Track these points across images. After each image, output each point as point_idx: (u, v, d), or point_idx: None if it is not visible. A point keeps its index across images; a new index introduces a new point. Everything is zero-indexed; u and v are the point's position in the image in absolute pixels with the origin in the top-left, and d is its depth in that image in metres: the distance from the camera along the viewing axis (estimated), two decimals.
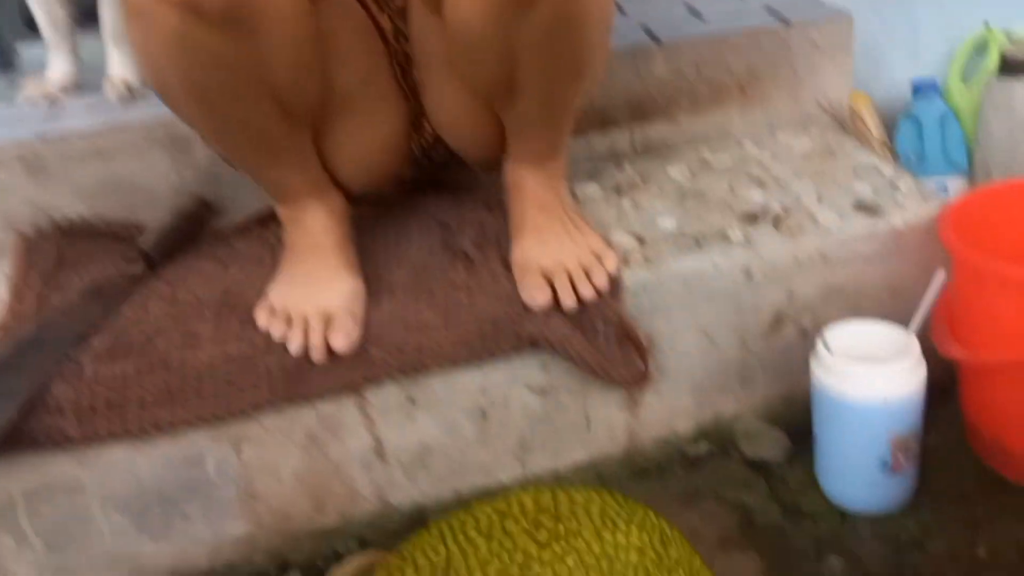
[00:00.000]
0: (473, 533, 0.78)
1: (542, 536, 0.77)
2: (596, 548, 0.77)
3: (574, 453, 1.29)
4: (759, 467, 1.29)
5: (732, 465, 1.30)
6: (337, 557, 1.24)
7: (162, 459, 1.14)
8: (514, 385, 1.23)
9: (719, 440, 1.33)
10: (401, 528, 1.27)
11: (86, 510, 1.14)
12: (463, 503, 1.28)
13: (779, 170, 1.46)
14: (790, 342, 1.30)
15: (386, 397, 1.19)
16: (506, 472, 1.28)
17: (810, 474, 1.26)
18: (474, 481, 1.27)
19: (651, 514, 0.84)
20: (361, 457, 1.22)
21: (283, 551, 1.23)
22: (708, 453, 1.32)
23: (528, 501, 0.82)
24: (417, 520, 1.27)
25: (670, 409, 1.30)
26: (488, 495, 1.28)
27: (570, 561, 0.75)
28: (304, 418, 1.18)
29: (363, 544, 1.25)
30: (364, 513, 1.25)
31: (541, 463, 1.29)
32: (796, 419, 1.34)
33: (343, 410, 1.19)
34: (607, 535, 0.78)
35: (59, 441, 1.09)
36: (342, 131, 1.21)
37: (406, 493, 1.25)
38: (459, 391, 1.22)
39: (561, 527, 0.78)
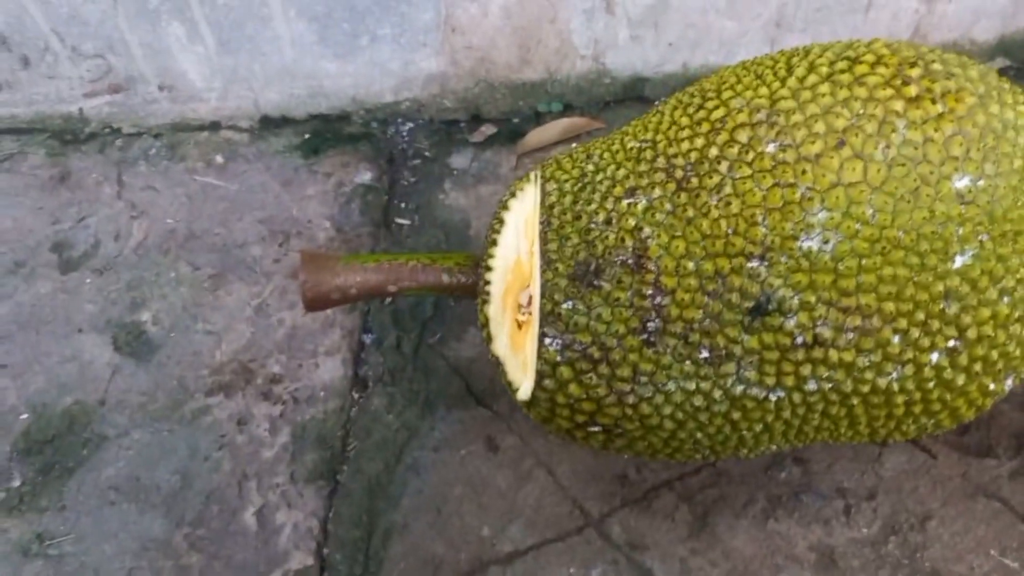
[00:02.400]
0: (806, 74, 0.56)
1: (910, 91, 0.55)
2: (980, 119, 0.55)
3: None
4: None
5: None
6: (537, 118, 1.06)
7: None
8: None
9: (1023, 58, 1.05)
10: (612, 97, 1.07)
11: (264, 7, 0.96)
12: (689, 83, 1.06)
13: None
14: None
15: None
16: (749, 53, 1.04)
17: None
18: (708, 58, 1.04)
19: None
20: (584, 1, 0.98)
21: (478, 100, 1.05)
22: (1004, 71, 1.05)
23: (883, 48, 0.59)
24: (631, 91, 1.06)
25: (978, 6, 1.01)
26: None
27: (947, 128, 0.54)
28: None
29: (567, 109, 1.06)
30: (575, 72, 1.04)
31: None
32: None
33: None
34: (993, 107, 0.56)
35: None
36: None
37: (627, 57, 1.03)
38: None
39: (937, 86, 0.55)
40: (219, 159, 1.02)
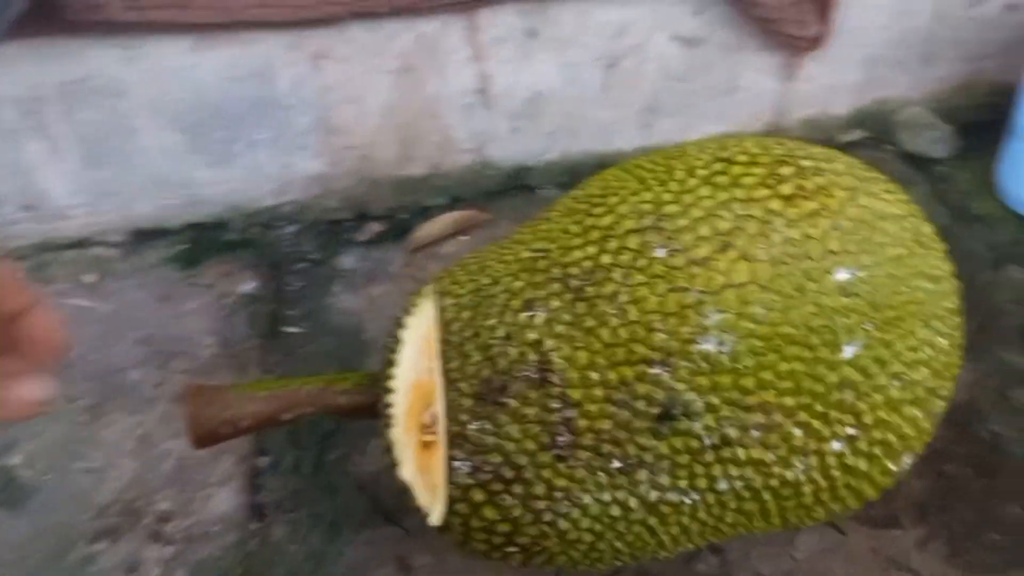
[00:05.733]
0: (686, 177, 0.58)
1: (784, 190, 0.57)
2: (851, 212, 0.58)
3: (708, 124, 1.08)
4: (919, 163, 1.09)
5: (888, 158, 1.10)
6: (424, 212, 1.06)
7: (226, 67, 0.91)
8: (658, 29, 0.99)
9: (876, 129, 1.12)
10: (497, 188, 1.08)
11: (131, 119, 0.93)
12: (571, 169, 1.08)
13: None
14: (993, 17, 1.05)
15: (503, 23, 0.95)
16: (626, 138, 1.07)
17: (981, 177, 1.06)
18: (587, 145, 1.07)
19: (894, 184, 0.64)
20: (462, 97, 0.99)
21: (362, 199, 1.05)
22: (862, 142, 1.12)
23: (753, 147, 0.61)
24: (515, 180, 1.08)
25: (832, 83, 1.07)
26: (602, 164, 1.09)
27: (823, 223, 0.56)
28: (401, 37, 0.94)
29: (454, 202, 1.07)
30: (458, 166, 1.05)
31: (668, 133, 1.08)
32: (968, 114, 1.12)
33: (449, 33, 0.94)
34: (862, 199, 0.59)
35: (99, 25, 0.85)
36: None
37: (509, 148, 1.05)
38: (591, 28, 0.97)
39: (808, 183, 0.58)
40: (90, 278, 0.97)
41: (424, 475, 0.58)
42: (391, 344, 0.60)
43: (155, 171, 0.98)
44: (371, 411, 0.63)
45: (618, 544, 0.58)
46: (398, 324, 0.61)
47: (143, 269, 0.99)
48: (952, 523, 0.73)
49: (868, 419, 0.56)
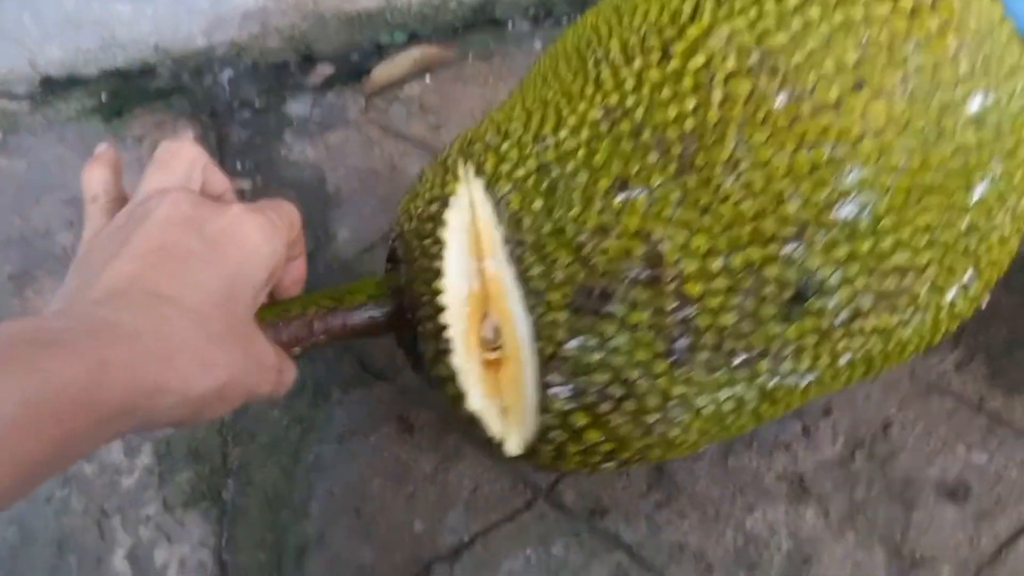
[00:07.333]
0: None
1: (906, 3, 0.39)
2: (972, 23, 0.41)
3: None
4: None
5: None
6: (379, 52, 0.81)
7: None
8: None
9: None
10: (461, 22, 0.83)
11: None
12: (544, 3, 0.84)
13: None
14: None
15: None
16: None
17: None
18: None
19: None
20: None
21: (307, 37, 0.78)
22: None
23: None
24: (482, 14, 0.83)
25: None
26: None
27: (951, 43, 0.39)
28: None
29: (413, 39, 0.82)
30: None
31: None
32: None
33: None
34: (974, 4, 0.42)
35: None
36: None
37: None
38: None
39: None
40: None
41: (493, 400, 0.42)
42: (430, 249, 0.41)
43: (64, 7, 0.69)
44: (397, 327, 0.45)
45: (718, 433, 0.44)
46: (436, 222, 0.41)
47: (59, 123, 0.73)
48: (989, 343, 0.62)
49: (983, 263, 0.43)
